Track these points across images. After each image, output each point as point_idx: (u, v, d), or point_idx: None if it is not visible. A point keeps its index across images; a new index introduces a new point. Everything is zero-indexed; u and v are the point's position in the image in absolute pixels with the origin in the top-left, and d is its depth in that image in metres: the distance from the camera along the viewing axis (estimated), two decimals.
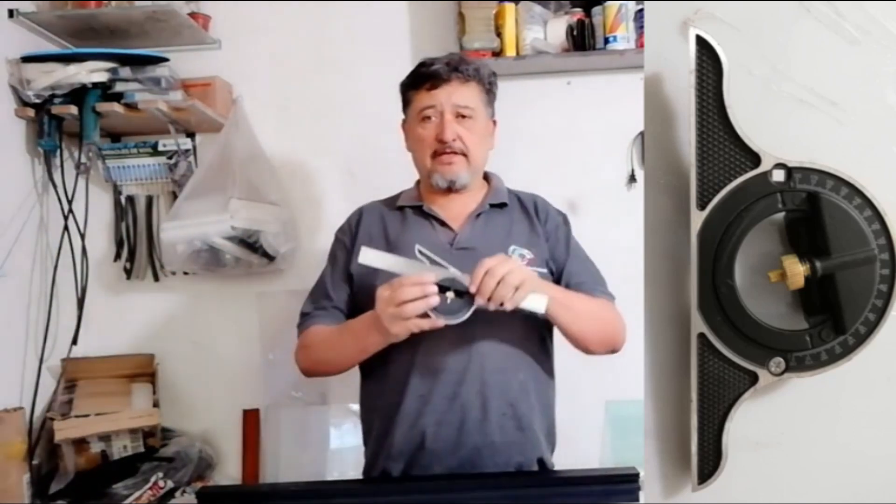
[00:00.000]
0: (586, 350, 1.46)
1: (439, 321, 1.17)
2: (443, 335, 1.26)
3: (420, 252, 1.25)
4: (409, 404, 1.34)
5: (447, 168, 1.43)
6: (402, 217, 1.49)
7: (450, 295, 1.14)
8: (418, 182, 1.56)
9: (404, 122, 1.55)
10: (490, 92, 1.51)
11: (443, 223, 1.46)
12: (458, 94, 1.44)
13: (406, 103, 1.52)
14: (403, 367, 1.35)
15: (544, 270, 1.44)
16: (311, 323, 1.44)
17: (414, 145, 1.50)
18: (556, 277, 1.47)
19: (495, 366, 1.37)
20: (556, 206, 1.61)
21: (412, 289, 1.16)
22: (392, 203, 1.54)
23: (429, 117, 1.44)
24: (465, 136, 1.43)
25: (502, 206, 1.51)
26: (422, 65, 1.48)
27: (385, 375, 1.39)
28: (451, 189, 1.46)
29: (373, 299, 1.26)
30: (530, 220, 1.52)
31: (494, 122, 1.55)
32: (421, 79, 1.47)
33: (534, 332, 1.47)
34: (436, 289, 1.16)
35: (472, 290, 1.17)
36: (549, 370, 1.57)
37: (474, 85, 1.46)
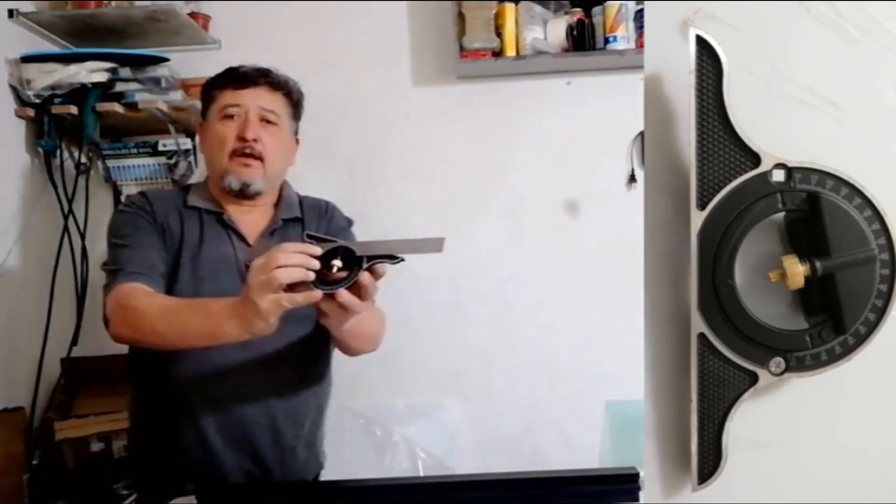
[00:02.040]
0: (359, 352, 1.42)
1: (316, 292, 1.01)
2: (231, 351, 1.21)
3: (308, 236, 1.09)
4: (194, 429, 1.29)
5: (243, 170, 1.37)
6: (199, 221, 1.38)
7: (336, 263, 0.99)
8: (205, 180, 1.47)
9: (202, 122, 1.47)
10: (297, 106, 1.48)
11: (240, 236, 1.38)
12: (265, 99, 1.41)
13: (208, 101, 1.44)
14: (187, 385, 1.28)
15: None
16: (128, 280, 1.24)
17: (211, 143, 1.41)
18: None
19: (288, 386, 1.35)
20: (344, 213, 1.55)
21: (292, 255, 1.00)
22: (180, 199, 1.40)
23: (231, 116, 1.38)
24: (266, 141, 1.38)
25: (296, 220, 1.44)
26: (231, 68, 1.46)
27: (166, 390, 1.30)
28: (243, 193, 1.38)
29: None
30: (313, 228, 1.45)
31: (297, 141, 1.50)
32: (229, 78, 1.43)
33: (324, 343, 1.41)
34: (318, 251, 1.00)
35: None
36: (329, 379, 1.53)
37: (282, 95, 1.44)
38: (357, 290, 1.02)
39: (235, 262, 1.34)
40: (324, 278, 1.00)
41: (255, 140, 1.36)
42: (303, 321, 1.31)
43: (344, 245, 1.00)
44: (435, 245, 1.01)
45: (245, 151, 1.36)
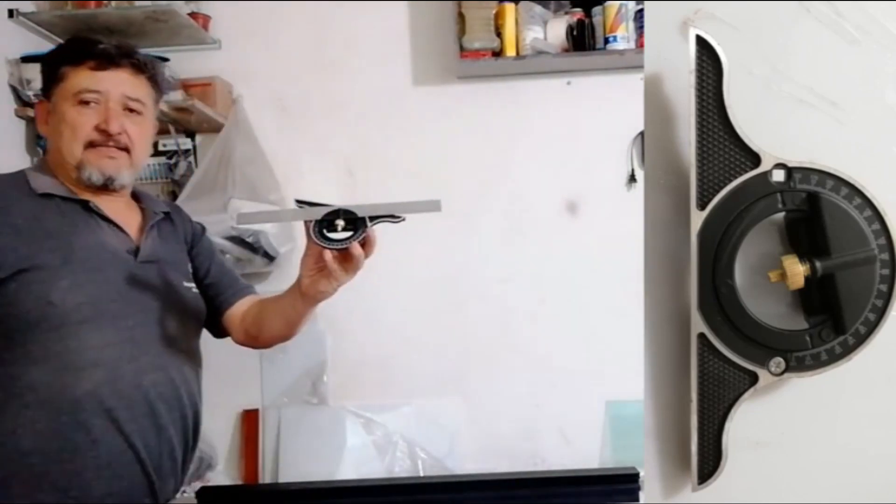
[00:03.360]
0: (269, 344, 1.40)
1: (327, 249, 1.06)
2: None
3: (298, 201, 1.07)
4: (92, 444, 1.14)
5: (107, 162, 1.24)
6: (58, 210, 1.22)
7: (340, 223, 1.04)
8: (42, 163, 1.31)
9: (43, 99, 1.30)
10: (160, 91, 1.35)
11: (118, 228, 1.26)
12: (129, 85, 1.26)
13: (56, 78, 1.25)
14: (77, 394, 1.14)
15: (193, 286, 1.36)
16: None
17: (60, 129, 1.24)
18: (196, 280, 1.38)
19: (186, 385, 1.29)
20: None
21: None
22: (22, 187, 1.23)
23: (88, 102, 1.23)
24: (132, 132, 1.26)
25: (166, 215, 1.37)
26: (85, 40, 1.29)
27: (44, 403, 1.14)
28: (106, 187, 1.26)
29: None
30: (180, 228, 1.41)
31: (156, 127, 1.39)
32: (85, 55, 1.24)
33: (198, 329, 1.38)
34: (318, 214, 1.05)
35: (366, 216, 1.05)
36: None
37: (146, 80, 1.29)
38: (364, 247, 1.07)
39: (121, 254, 1.24)
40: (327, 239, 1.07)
41: (119, 133, 1.24)
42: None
43: (344, 208, 1.05)
44: (431, 206, 1.03)
45: (108, 143, 1.24)
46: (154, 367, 1.22)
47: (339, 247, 1.04)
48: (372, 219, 1.04)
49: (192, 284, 1.35)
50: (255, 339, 1.38)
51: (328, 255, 1.05)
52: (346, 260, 1.07)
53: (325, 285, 1.12)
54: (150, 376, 1.21)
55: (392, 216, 1.04)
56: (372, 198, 1.97)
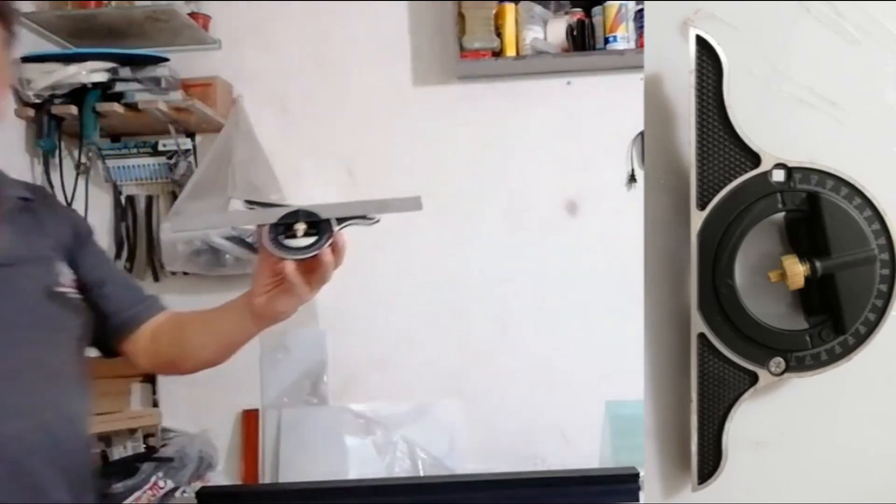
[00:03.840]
0: (191, 372, 1.14)
1: (287, 260, 0.87)
2: None
3: (249, 202, 0.98)
4: None
5: None
6: None
7: (301, 227, 0.86)
8: None
9: None
10: (13, 34, 1.03)
11: None
12: None
13: None
14: None
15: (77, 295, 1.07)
16: None
17: None
18: (84, 291, 1.08)
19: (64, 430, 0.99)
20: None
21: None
22: None
23: None
24: None
25: (26, 201, 1.06)
26: None
27: None
28: None
29: None
30: (47, 219, 1.09)
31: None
32: None
33: (81, 347, 1.09)
34: (273, 218, 0.87)
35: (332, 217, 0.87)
36: None
37: None
38: (331, 255, 0.88)
39: None
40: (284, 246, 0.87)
41: None
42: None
43: (305, 209, 0.86)
44: (411, 204, 0.88)
45: None
46: (19, 410, 0.93)
47: (302, 256, 0.86)
48: (339, 221, 0.87)
49: (70, 289, 1.05)
50: (172, 366, 1.13)
51: (289, 266, 0.86)
52: (311, 271, 0.88)
53: (286, 304, 0.92)
54: (14, 424, 0.92)
55: (364, 217, 0.87)
56: (371, 197, 1.97)
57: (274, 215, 0.85)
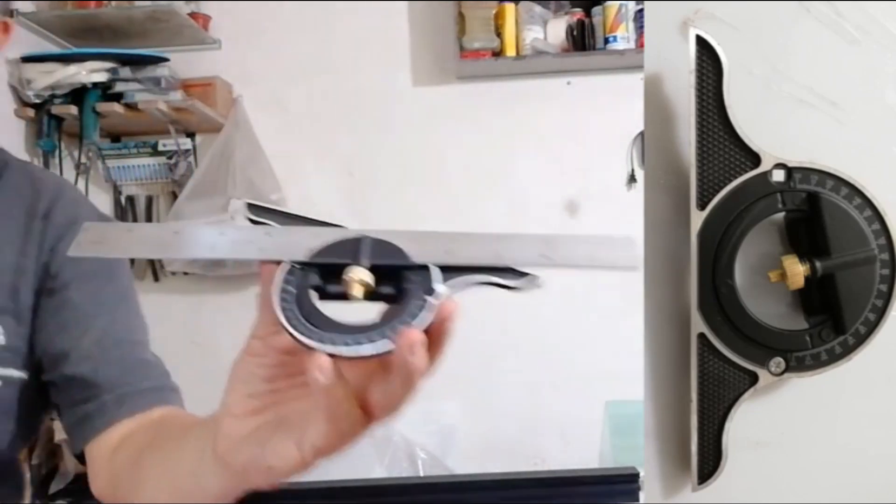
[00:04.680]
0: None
1: (321, 359, 0.39)
2: None
3: (251, 205, 0.44)
4: None
5: None
6: None
7: (357, 277, 0.41)
8: None
9: None
10: None
11: None
12: None
13: None
14: None
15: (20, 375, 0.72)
16: None
17: None
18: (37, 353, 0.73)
19: None
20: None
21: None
22: None
23: None
24: None
25: None
26: None
27: None
28: None
29: None
30: (27, 210, 0.75)
31: (7, 27, 0.79)
32: None
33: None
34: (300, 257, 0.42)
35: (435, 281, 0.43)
36: None
37: None
38: (432, 339, 0.43)
39: None
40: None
41: None
42: None
43: (372, 235, 0.43)
44: (624, 252, 0.51)
45: None
46: None
47: (358, 353, 0.39)
48: (450, 273, 0.45)
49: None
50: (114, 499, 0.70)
51: (321, 366, 0.38)
52: (370, 376, 0.43)
53: (285, 450, 0.43)
54: None
55: (502, 272, 0.48)
56: (372, 197, 1.97)
57: (296, 246, 0.41)
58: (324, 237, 0.42)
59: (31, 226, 0.74)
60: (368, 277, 0.41)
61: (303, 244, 0.42)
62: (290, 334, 0.39)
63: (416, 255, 0.43)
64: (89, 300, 0.74)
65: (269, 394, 0.43)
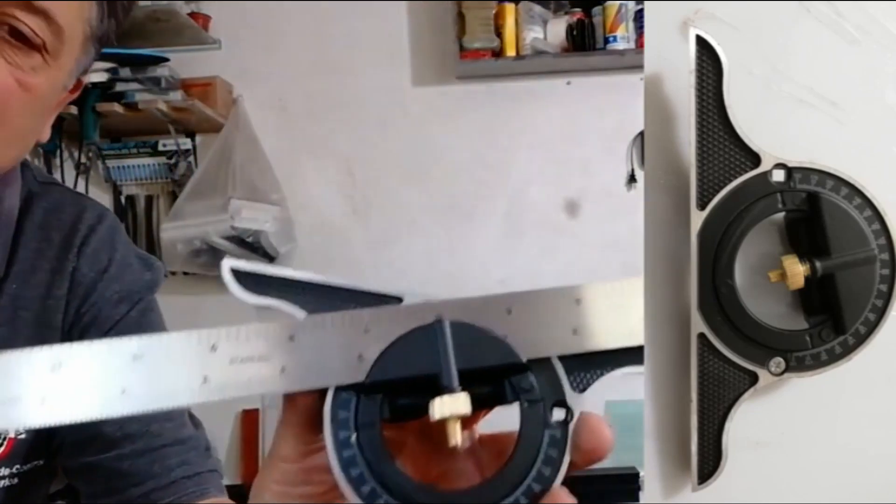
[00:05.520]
0: None
1: None
2: None
3: (237, 272, 0.34)
4: None
5: None
6: None
7: (445, 409, 0.26)
8: None
9: None
10: (115, 17, 0.66)
11: None
12: None
13: None
14: None
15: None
16: None
17: None
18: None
19: None
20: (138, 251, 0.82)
21: None
22: None
23: None
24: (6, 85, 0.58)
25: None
26: None
27: None
28: None
29: None
30: (58, 249, 0.69)
31: (80, 85, 0.71)
32: None
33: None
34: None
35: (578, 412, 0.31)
36: None
37: None
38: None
39: None
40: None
41: None
42: None
43: (449, 316, 0.28)
44: None
45: None
46: None
47: None
48: (583, 368, 0.32)
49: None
50: None
51: None
52: None
53: None
54: None
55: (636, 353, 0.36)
56: (373, 197, 1.97)
57: (346, 352, 0.29)
58: (371, 324, 0.25)
59: (64, 261, 0.68)
60: (465, 406, 0.26)
61: (354, 347, 0.25)
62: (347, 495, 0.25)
63: (522, 344, 0.25)
64: None
65: None
